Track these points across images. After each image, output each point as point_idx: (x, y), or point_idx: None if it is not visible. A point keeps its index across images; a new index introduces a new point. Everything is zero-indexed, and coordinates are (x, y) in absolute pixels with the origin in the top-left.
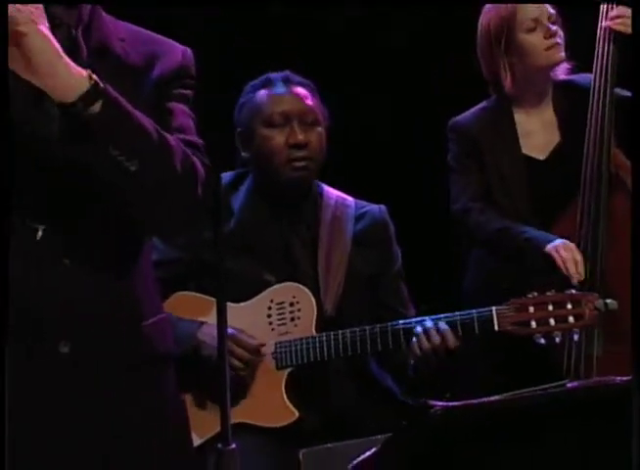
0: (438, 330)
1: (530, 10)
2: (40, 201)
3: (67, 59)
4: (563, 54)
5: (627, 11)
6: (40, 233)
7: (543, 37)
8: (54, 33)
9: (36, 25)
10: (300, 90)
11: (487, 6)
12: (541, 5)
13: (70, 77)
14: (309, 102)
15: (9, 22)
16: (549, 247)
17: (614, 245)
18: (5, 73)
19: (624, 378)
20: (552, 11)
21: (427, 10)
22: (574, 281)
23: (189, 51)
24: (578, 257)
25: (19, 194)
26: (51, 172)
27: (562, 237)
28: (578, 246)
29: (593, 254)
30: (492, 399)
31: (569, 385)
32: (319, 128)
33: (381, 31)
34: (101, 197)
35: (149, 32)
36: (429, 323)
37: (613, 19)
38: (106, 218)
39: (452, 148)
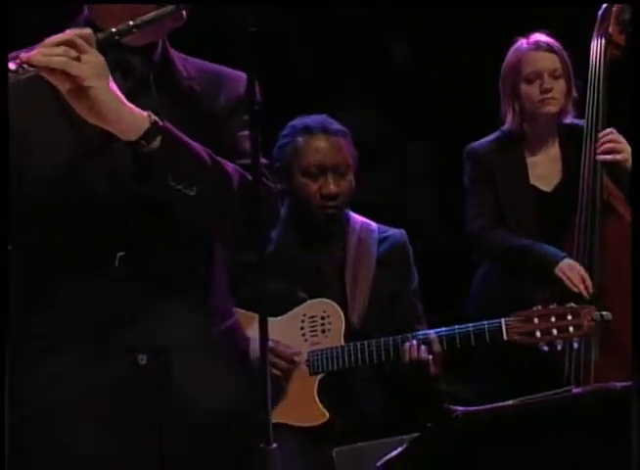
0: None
1: (534, 62)
2: (117, 229)
3: (128, 104)
4: (553, 108)
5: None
6: (118, 260)
7: (539, 91)
8: (126, 79)
9: (100, 79)
10: (336, 141)
11: (512, 47)
12: (548, 59)
13: (134, 120)
14: (344, 152)
15: (77, 79)
16: (556, 270)
17: (606, 262)
18: (5, 73)
19: (624, 384)
20: (558, 65)
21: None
22: (586, 296)
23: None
24: (583, 273)
25: (98, 225)
26: (126, 203)
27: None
28: (578, 256)
29: (589, 270)
30: (507, 403)
31: (574, 390)
32: (350, 176)
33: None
34: (172, 220)
35: (216, 66)
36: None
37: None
38: (178, 236)
39: (467, 171)
